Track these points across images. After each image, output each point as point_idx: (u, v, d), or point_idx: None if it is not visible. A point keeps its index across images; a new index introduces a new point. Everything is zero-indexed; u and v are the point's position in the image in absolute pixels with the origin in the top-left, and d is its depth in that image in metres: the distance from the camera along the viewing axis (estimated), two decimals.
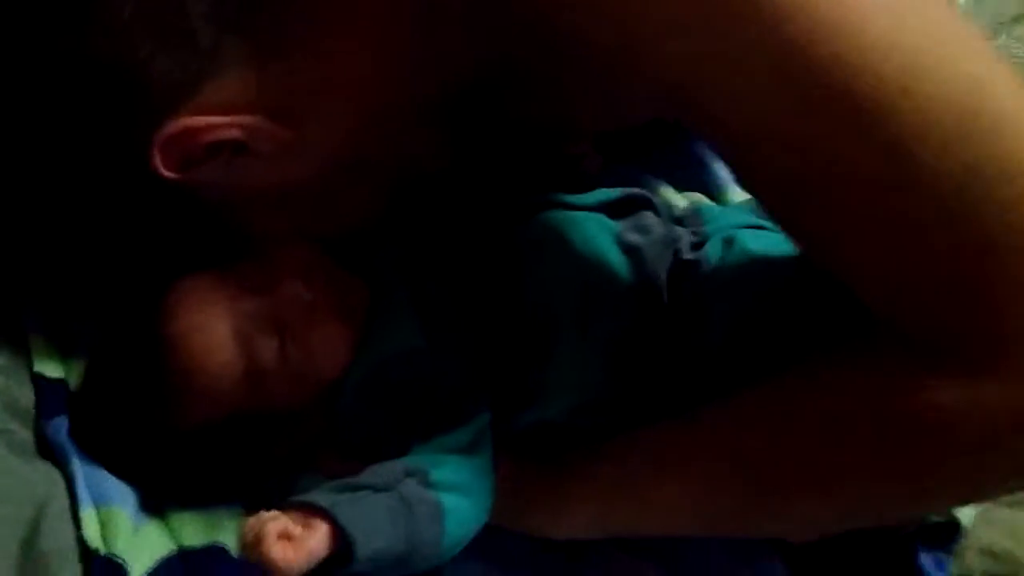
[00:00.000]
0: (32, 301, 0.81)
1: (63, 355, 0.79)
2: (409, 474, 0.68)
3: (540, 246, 0.77)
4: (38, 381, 0.77)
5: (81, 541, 0.68)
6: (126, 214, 0.74)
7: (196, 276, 0.73)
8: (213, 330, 0.71)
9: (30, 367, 0.78)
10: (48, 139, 0.71)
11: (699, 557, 0.78)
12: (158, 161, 0.69)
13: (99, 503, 0.71)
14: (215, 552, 0.72)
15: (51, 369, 0.78)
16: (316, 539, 0.62)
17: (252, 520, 0.62)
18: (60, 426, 0.74)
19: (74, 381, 0.78)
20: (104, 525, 0.69)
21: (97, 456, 0.74)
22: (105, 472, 0.73)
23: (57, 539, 0.68)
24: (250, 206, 0.74)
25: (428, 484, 0.68)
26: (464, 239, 0.79)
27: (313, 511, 0.64)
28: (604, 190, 0.81)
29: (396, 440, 0.71)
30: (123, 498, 0.72)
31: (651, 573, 0.78)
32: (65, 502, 0.70)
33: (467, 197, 0.83)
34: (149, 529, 0.73)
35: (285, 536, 0.61)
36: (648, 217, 0.79)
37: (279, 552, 0.61)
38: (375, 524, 0.64)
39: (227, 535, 0.73)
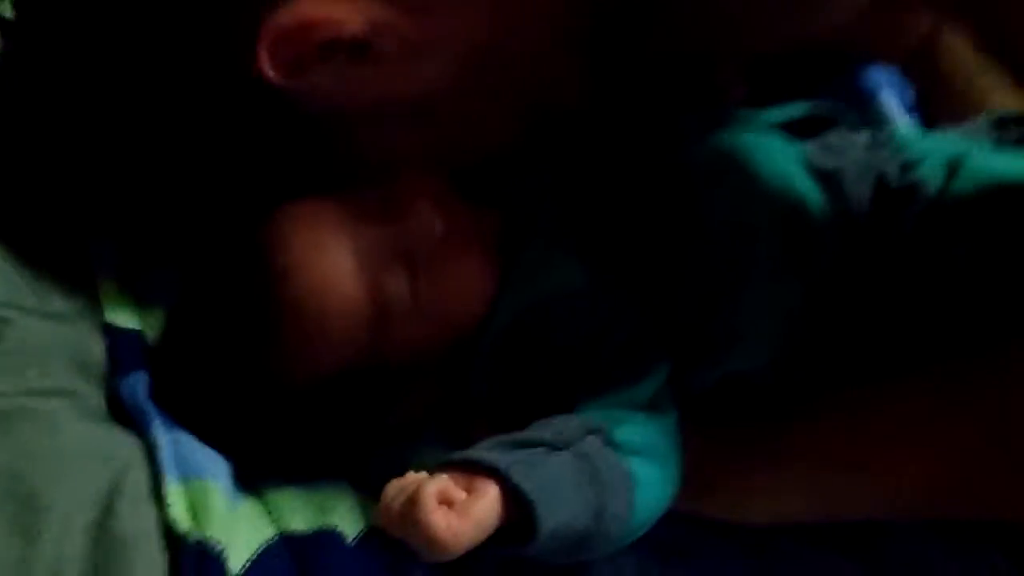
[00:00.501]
0: (102, 239, 0.68)
1: (139, 303, 0.67)
2: (590, 431, 0.54)
3: (717, 176, 0.64)
4: (110, 332, 0.64)
5: (166, 523, 0.55)
6: (217, 131, 0.62)
7: (307, 202, 0.61)
8: (336, 257, 0.59)
9: (100, 316, 0.65)
10: (131, 35, 0.60)
11: (903, 550, 0.64)
12: (264, 60, 0.56)
13: (187, 476, 0.57)
14: (327, 538, 0.58)
15: (125, 318, 0.65)
16: (486, 505, 0.49)
17: (400, 482, 0.50)
18: (137, 384, 0.61)
19: (152, 333, 0.65)
20: (194, 503, 0.56)
21: (183, 420, 0.61)
22: (193, 439, 0.60)
23: (134, 521, 0.55)
24: (366, 122, 0.62)
25: (611, 444, 0.55)
26: (621, 169, 0.66)
27: (479, 471, 0.50)
28: (784, 107, 0.67)
29: (551, 397, 0.58)
30: (216, 470, 0.59)
31: (848, 570, 0.63)
32: (144, 476, 0.57)
33: (616, 128, 0.70)
34: (246, 508, 0.59)
35: (446, 501, 0.49)
36: (840, 137, 0.65)
37: (440, 521, 0.47)
38: (558, 489, 0.51)
39: (338, 518, 0.60)
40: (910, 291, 0.61)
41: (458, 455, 0.52)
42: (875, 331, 0.61)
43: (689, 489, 0.59)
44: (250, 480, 0.61)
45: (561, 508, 0.51)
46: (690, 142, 0.66)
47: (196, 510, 0.56)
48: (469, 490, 0.50)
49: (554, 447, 0.53)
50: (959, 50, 0.81)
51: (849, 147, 0.65)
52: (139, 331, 0.65)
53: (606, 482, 0.53)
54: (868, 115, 0.85)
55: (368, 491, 0.62)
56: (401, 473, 0.60)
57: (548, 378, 0.60)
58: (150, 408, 0.60)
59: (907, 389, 0.60)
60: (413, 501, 0.49)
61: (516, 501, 0.50)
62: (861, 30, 0.77)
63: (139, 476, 0.57)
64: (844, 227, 0.61)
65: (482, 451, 0.52)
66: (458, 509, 0.49)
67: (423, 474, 0.51)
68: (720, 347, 0.61)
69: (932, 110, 0.85)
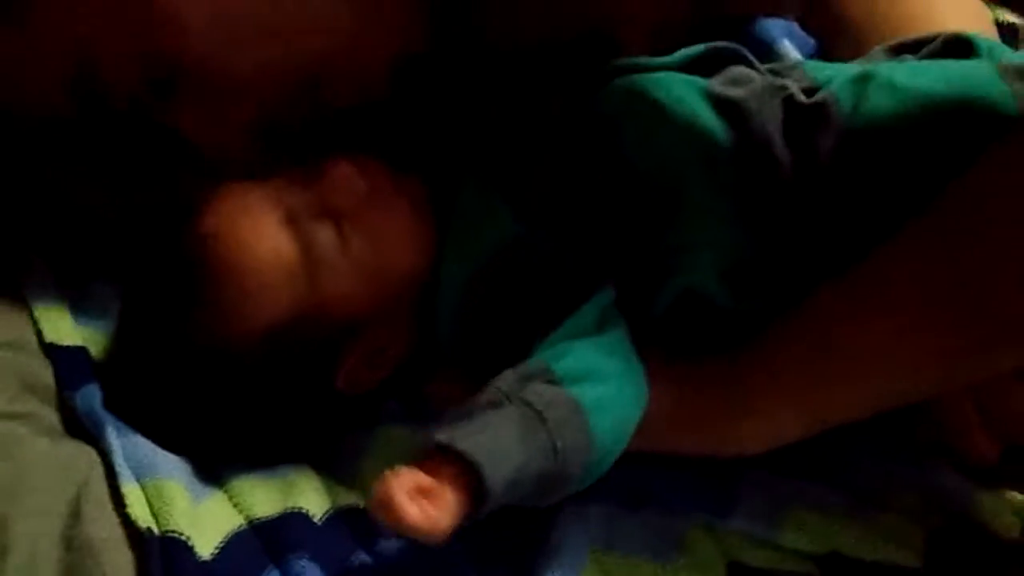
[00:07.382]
0: (30, 269, 0.70)
1: (76, 320, 0.68)
2: (527, 378, 0.57)
3: (626, 116, 0.65)
4: (54, 351, 0.65)
5: (129, 523, 0.56)
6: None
7: (234, 185, 0.65)
8: (261, 215, 0.63)
9: (40, 339, 0.66)
10: None
11: (860, 467, 0.65)
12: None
13: (144, 476, 0.58)
14: (293, 519, 0.59)
15: (66, 337, 0.66)
16: (453, 485, 0.51)
17: (382, 480, 0.51)
18: (91, 396, 0.62)
19: (95, 348, 0.66)
20: (154, 501, 0.57)
21: (137, 424, 0.62)
22: (148, 443, 0.61)
23: (101, 524, 0.56)
24: None
25: (554, 381, 0.56)
26: (529, 119, 0.69)
27: (437, 453, 0.52)
28: (685, 49, 0.68)
29: (517, 345, 0.60)
30: (174, 470, 0.60)
31: (815, 491, 0.64)
32: (104, 482, 0.58)
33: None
34: (211, 502, 0.60)
35: (419, 492, 0.50)
36: (741, 70, 0.67)
37: (414, 513, 0.49)
38: (500, 444, 0.53)
39: (304, 500, 0.61)
40: (847, 200, 0.62)
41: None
42: (818, 239, 0.63)
43: (673, 428, 0.61)
44: (212, 475, 0.62)
45: (507, 460, 0.53)
46: (594, 87, 0.67)
47: (157, 507, 0.57)
48: (436, 475, 0.51)
49: (495, 405, 0.55)
50: None
51: (752, 78, 0.66)
52: (82, 347, 0.65)
53: (553, 419, 0.55)
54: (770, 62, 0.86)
55: (332, 472, 0.64)
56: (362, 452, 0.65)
57: (513, 327, 0.62)
58: (104, 415, 0.61)
59: (857, 280, 0.60)
60: (386, 500, 0.50)
61: (468, 467, 0.52)
62: None
63: (100, 483, 0.58)
64: (753, 151, 0.62)
65: (440, 432, 0.53)
66: (431, 497, 0.51)
67: (402, 470, 0.51)
68: (668, 259, 0.63)
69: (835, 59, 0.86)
